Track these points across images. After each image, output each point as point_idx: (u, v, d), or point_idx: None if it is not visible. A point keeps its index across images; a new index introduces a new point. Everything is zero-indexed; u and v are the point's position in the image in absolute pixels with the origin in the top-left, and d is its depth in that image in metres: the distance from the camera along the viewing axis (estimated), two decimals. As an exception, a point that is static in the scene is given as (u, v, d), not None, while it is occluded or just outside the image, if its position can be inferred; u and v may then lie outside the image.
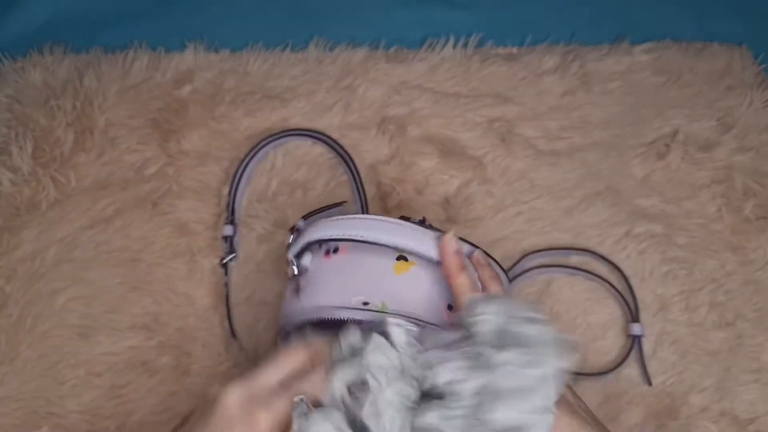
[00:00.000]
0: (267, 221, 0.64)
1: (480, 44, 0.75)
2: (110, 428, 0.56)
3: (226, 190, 0.65)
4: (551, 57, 0.74)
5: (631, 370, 0.59)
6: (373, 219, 0.43)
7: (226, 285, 0.61)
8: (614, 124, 0.71)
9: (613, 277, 0.63)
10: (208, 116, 0.69)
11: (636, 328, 0.60)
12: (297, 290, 0.45)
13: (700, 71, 0.74)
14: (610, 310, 0.62)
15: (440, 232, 0.45)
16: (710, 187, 0.68)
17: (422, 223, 0.46)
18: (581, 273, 0.63)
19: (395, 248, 0.42)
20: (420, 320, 0.41)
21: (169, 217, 0.65)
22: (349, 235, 0.42)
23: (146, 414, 0.57)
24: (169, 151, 0.68)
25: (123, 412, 0.57)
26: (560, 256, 0.64)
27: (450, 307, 0.42)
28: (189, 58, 0.72)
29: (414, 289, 0.42)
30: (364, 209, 0.64)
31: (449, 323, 0.41)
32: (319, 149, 0.68)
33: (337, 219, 0.44)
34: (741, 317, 0.62)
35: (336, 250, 0.44)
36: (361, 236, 0.42)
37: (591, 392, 0.58)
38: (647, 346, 0.60)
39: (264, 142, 0.66)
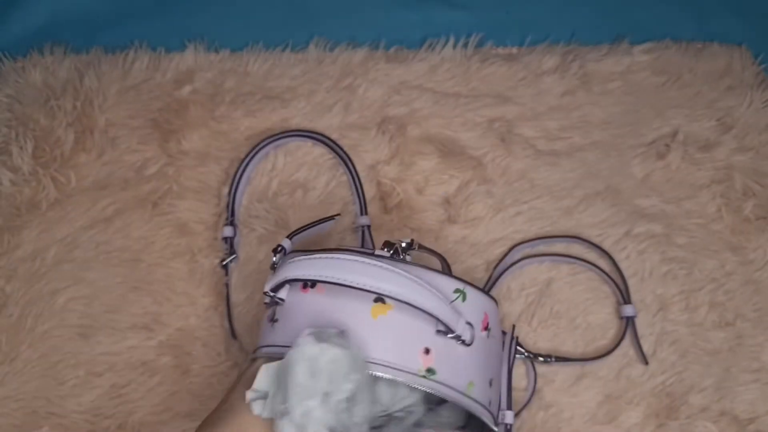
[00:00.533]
0: (267, 221, 0.64)
1: (480, 44, 0.75)
2: (110, 428, 0.56)
3: (226, 191, 0.65)
4: (551, 57, 0.74)
5: (631, 370, 0.59)
6: (353, 260, 0.42)
7: (227, 285, 0.61)
8: (614, 124, 0.71)
9: (605, 265, 0.63)
10: (208, 116, 0.69)
11: (628, 310, 0.61)
12: (272, 319, 0.45)
13: (699, 71, 0.74)
14: (609, 310, 0.62)
15: (425, 268, 0.44)
16: (710, 187, 0.68)
17: (410, 246, 0.46)
18: (569, 259, 0.63)
19: (372, 291, 0.41)
20: (393, 367, 0.41)
21: (169, 217, 0.65)
22: (326, 277, 0.41)
23: (147, 413, 0.57)
24: (169, 151, 0.68)
25: (123, 412, 0.57)
26: (547, 245, 0.64)
27: (427, 351, 0.42)
28: (189, 58, 0.73)
29: (390, 334, 0.42)
30: (363, 210, 0.64)
31: (425, 368, 0.41)
32: (319, 149, 0.68)
33: (316, 257, 0.43)
34: (741, 317, 0.62)
35: (313, 285, 0.44)
36: (338, 279, 0.41)
37: (591, 392, 0.58)
38: (647, 345, 0.60)
39: (262, 144, 0.66)
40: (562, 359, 0.58)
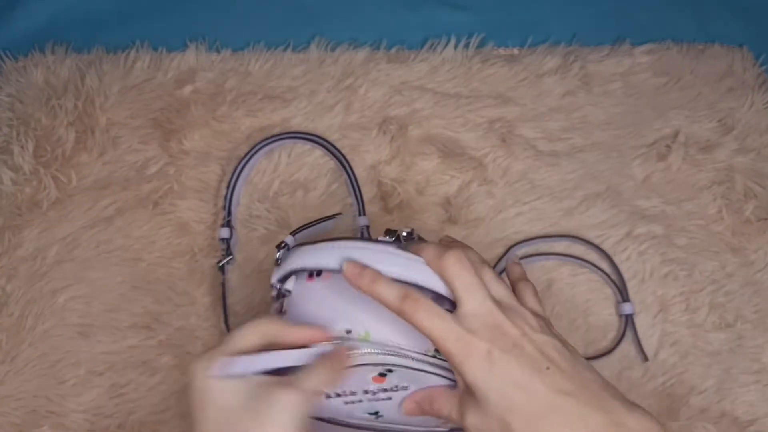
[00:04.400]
0: (268, 221, 0.64)
1: (481, 45, 0.75)
2: (111, 427, 0.56)
3: (223, 192, 0.65)
4: (552, 58, 0.74)
5: (631, 371, 0.59)
6: (360, 247, 0.41)
7: (223, 285, 0.61)
8: (615, 125, 0.71)
9: (605, 265, 0.63)
10: (209, 116, 0.69)
11: (626, 308, 0.61)
12: (280, 311, 0.45)
13: (700, 73, 0.74)
14: (610, 312, 0.62)
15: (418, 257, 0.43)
16: (711, 189, 0.68)
17: (410, 235, 0.46)
18: (566, 258, 0.63)
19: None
20: (403, 349, 0.40)
21: (169, 217, 0.65)
22: (329, 266, 0.42)
23: (147, 413, 0.57)
24: (170, 150, 0.68)
25: (123, 411, 0.57)
26: (545, 244, 0.64)
27: None
28: (190, 58, 0.73)
29: (397, 318, 0.41)
30: (362, 211, 0.64)
31: (434, 348, 0.41)
32: (321, 150, 0.68)
33: (322, 245, 0.43)
34: (741, 318, 0.62)
35: (319, 273, 0.43)
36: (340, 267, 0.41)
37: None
38: (648, 346, 0.60)
39: (258, 146, 0.66)
40: None
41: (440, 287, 0.40)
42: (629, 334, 0.61)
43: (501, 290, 0.40)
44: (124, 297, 0.61)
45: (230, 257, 0.62)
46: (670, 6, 0.78)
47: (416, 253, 0.41)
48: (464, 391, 0.38)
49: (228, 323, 0.60)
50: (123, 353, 0.59)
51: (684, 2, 0.78)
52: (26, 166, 0.66)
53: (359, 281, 0.39)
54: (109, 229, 0.64)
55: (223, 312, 0.60)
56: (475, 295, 0.38)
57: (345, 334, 0.41)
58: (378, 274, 0.39)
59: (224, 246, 0.62)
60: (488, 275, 0.40)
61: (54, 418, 0.56)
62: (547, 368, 0.35)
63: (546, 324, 0.39)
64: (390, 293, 0.38)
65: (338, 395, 0.42)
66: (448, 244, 0.44)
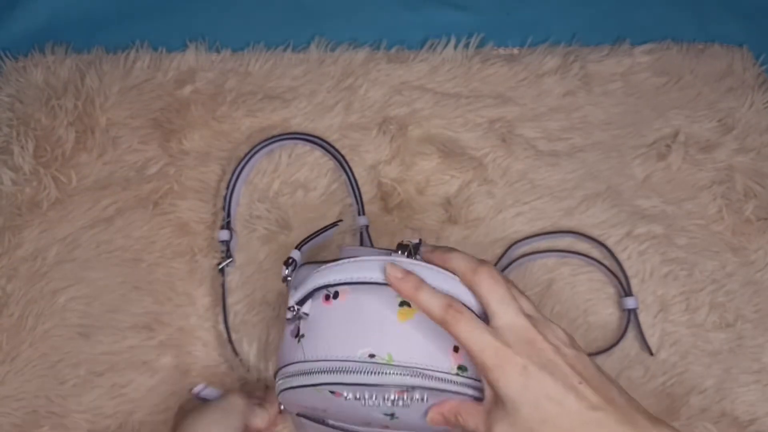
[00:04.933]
0: (268, 221, 0.64)
1: (481, 45, 0.75)
2: (111, 427, 0.56)
3: (222, 194, 0.65)
4: (552, 58, 0.74)
5: (631, 371, 0.59)
6: (380, 260, 0.42)
7: (223, 287, 0.61)
8: (615, 125, 0.71)
9: (607, 262, 0.63)
10: (209, 116, 0.69)
11: (630, 302, 0.61)
12: (297, 335, 0.44)
13: (700, 72, 0.74)
14: (611, 311, 0.62)
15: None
16: (711, 188, 0.68)
17: (419, 245, 0.46)
18: (568, 255, 0.63)
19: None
20: (427, 369, 0.40)
21: (170, 217, 0.65)
22: (357, 278, 0.42)
23: (147, 413, 0.57)
24: (170, 150, 0.68)
25: (124, 412, 0.57)
26: (546, 242, 0.65)
27: (456, 349, 0.41)
28: (190, 58, 0.73)
29: (419, 337, 0.41)
30: (361, 211, 0.64)
31: (456, 365, 0.41)
32: (321, 149, 0.68)
33: (343, 263, 0.43)
34: (741, 318, 0.62)
35: (336, 295, 0.43)
36: (370, 278, 0.42)
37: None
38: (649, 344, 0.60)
39: (257, 148, 0.66)
40: None
41: (472, 301, 0.40)
42: (633, 329, 0.61)
43: (528, 305, 0.41)
44: (124, 297, 0.61)
45: (230, 259, 0.62)
46: (670, 6, 0.78)
47: (444, 263, 0.42)
48: (493, 404, 0.39)
49: (228, 325, 0.60)
50: (123, 353, 0.59)
51: (684, 2, 0.78)
52: (26, 166, 0.66)
53: (402, 285, 0.40)
54: (109, 229, 0.64)
55: (223, 314, 0.60)
56: (509, 310, 0.39)
57: (368, 359, 0.41)
58: (422, 281, 0.40)
59: (224, 248, 0.62)
60: (514, 290, 0.41)
61: (54, 418, 0.56)
62: (579, 383, 0.37)
63: (572, 339, 0.40)
64: (434, 302, 0.39)
65: (357, 399, 0.42)
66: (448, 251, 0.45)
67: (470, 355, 0.38)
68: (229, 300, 0.61)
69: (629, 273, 0.63)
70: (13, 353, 0.58)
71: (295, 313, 0.44)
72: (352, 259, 0.43)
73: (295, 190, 0.66)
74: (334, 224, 0.54)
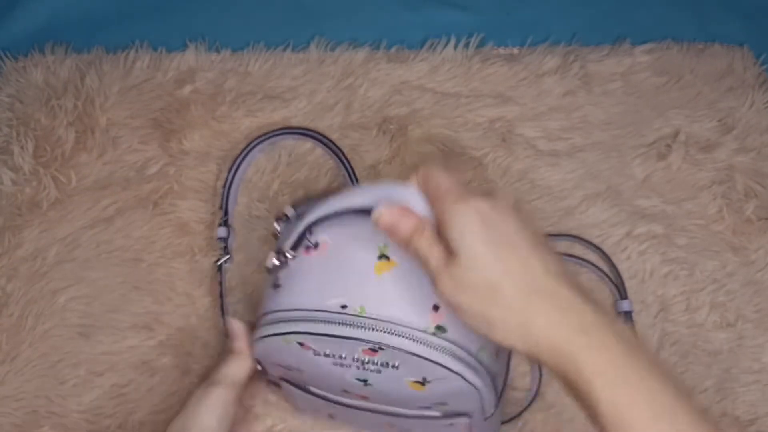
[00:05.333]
0: (268, 221, 0.64)
1: (481, 45, 0.75)
2: (111, 427, 0.56)
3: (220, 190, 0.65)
4: (552, 57, 0.74)
5: (631, 370, 0.59)
6: (361, 189, 0.42)
7: (221, 284, 0.61)
8: (615, 124, 0.71)
9: (603, 265, 0.63)
10: (209, 116, 0.69)
11: (625, 305, 0.61)
12: (275, 284, 0.44)
13: (701, 72, 0.74)
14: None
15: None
16: (711, 188, 0.68)
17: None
18: (565, 258, 0.63)
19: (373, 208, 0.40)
20: (400, 326, 0.39)
21: (170, 217, 0.65)
22: (347, 205, 0.41)
23: (147, 413, 0.57)
24: (170, 150, 0.68)
25: (124, 412, 0.57)
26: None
27: (436, 308, 0.40)
28: (190, 58, 0.73)
29: (395, 291, 0.40)
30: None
31: (434, 325, 0.39)
32: (320, 149, 0.68)
33: (332, 198, 0.42)
34: (742, 318, 0.62)
35: (316, 246, 0.42)
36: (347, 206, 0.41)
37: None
38: (648, 346, 0.60)
39: (255, 143, 0.66)
40: None
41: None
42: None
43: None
44: (124, 297, 0.61)
45: (228, 256, 0.62)
46: (670, 5, 0.78)
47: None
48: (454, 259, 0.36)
49: (226, 323, 0.59)
50: (123, 353, 0.59)
51: (684, 2, 0.78)
52: (26, 166, 0.66)
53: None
54: (109, 229, 0.64)
55: (221, 311, 0.60)
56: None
57: (339, 309, 0.40)
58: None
59: (222, 245, 0.62)
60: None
61: (54, 418, 0.56)
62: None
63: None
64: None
65: (326, 355, 0.41)
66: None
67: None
68: (229, 299, 0.61)
69: (629, 273, 0.63)
70: (13, 353, 0.59)
71: (274, 260, 0.43)
72: (340, 194, 0.42)
73: (295, 190, 0.66)
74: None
